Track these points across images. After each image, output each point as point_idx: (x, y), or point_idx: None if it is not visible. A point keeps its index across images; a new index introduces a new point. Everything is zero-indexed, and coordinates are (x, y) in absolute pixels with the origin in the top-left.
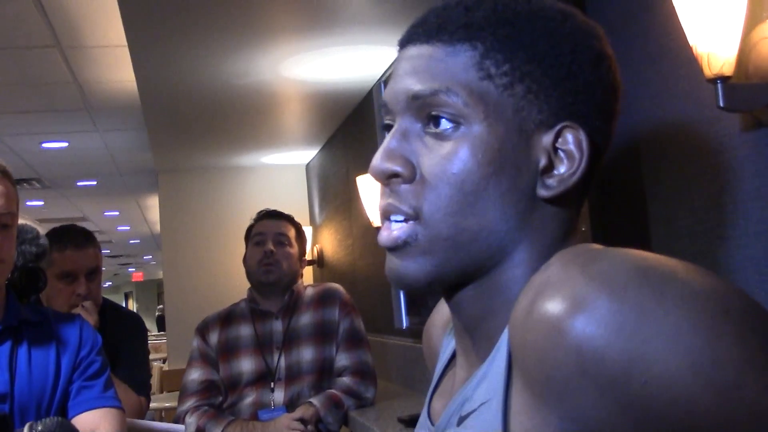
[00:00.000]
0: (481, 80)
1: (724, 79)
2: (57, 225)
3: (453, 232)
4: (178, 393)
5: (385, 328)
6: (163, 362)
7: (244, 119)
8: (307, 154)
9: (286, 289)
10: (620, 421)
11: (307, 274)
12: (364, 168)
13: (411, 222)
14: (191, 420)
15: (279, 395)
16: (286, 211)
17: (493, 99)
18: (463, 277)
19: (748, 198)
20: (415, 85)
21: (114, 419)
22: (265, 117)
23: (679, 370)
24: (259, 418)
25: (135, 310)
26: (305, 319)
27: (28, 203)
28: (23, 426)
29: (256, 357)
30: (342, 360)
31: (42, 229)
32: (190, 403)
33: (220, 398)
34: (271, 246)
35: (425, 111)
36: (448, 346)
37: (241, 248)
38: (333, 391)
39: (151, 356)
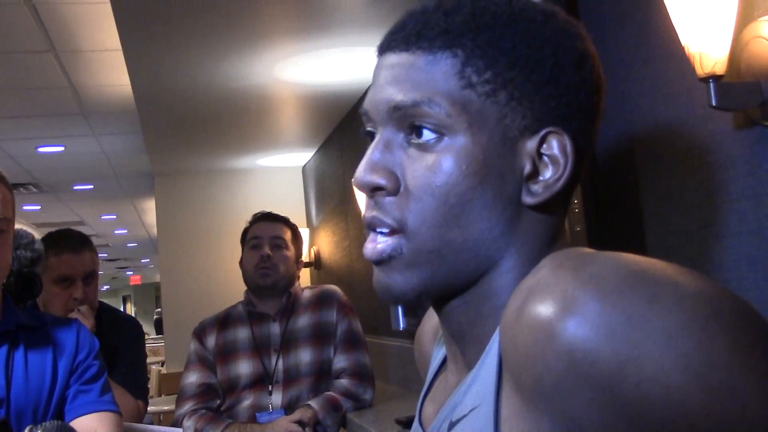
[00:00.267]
0: (462, 89)
1: (716, 78)
2: (54, 229)
3: (438, 244)
4: (176, 396)
5: (382, 330)
6: (161, 365)
7: (240, 122)
8: (304, 156)
9: (283, 292)
10: (612, 423)
11: (304, 276)
12: None
13: (396, 235)
14: (189, 423)
15: (277, 398)
16: (283, 214)
17: (475, 107)
18: (450, 287)
19: (741, 196)
20: (396, 96)
21: (111, 423)
22: (261, 119)
23: (672, 372)
24: (257, 421)
25: (133, 314)
26: (303, 321)
27: (25, 208)
28: (23, 430)
29: (254, 360)
30: (340, 362)
31: (38, 234)
32: (187, 406)
33: (218, 401)
34: (267, 250)
35: (407, 121)
36: (439, 351)
37: (238, 251)
38: (331, 393)
39: (149, 359)
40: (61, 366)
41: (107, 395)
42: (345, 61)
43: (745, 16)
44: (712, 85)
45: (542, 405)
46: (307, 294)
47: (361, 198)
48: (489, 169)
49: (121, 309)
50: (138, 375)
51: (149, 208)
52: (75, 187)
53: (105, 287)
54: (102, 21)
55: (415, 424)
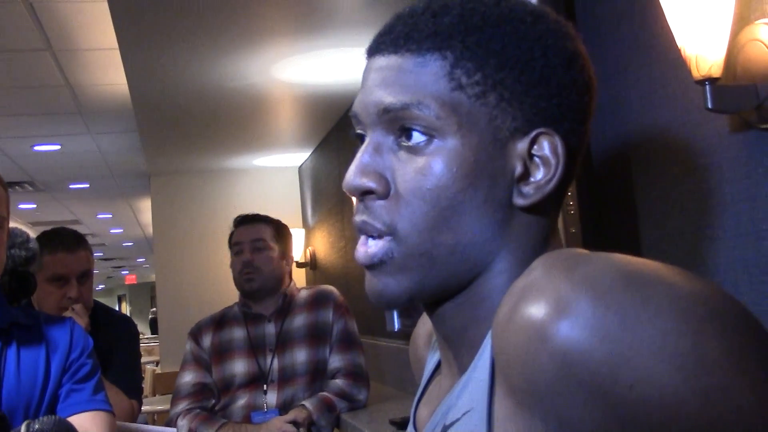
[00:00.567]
0: (452, 91)
1: (712, 80)
2: (49, 228)
3: (429, 247)
4: (170, 396)
5: (377, 331)
6: (156, 365)
7: (236, 122)
8: (300, 156)
9: (273, 292)
10: (606, 425)
11: (300, 276)
12: None
13: (386, 239)
14: (183, 423)
15: (272, 397)
16: (279, 214)
17: (465, 109)
18: (442, 290)
19: (737, 199)
20: (386, 98)
21: (103, 422)
22: (257, 119)
23: (666, 373)
24: (252, 421)
25: (128, 313)
26: (299, 321)
27: (21, 206)
28: (19, 425)
29: (249, 359)
30: (335, 362)
31: (33, 233)
32: (182, 405)
33: (213, 401)
34: (248, 255)
35: (397, 124)
36: (434, 355)
37: None
38: (325, 393)
39: (144, 359)
40: (54, 364)
41: (100, 394)
42: (342, 62)
43: (742, 19)
44: (708, 87)
45: (535, 407)
46: (303, 294)
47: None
48: (480, 171)
49: (116, 308)
50: (132, 374)
51: (145, 208)
52: (71, 186)
53: (100, 286)
54: (99, 20)
55: (410, 427)
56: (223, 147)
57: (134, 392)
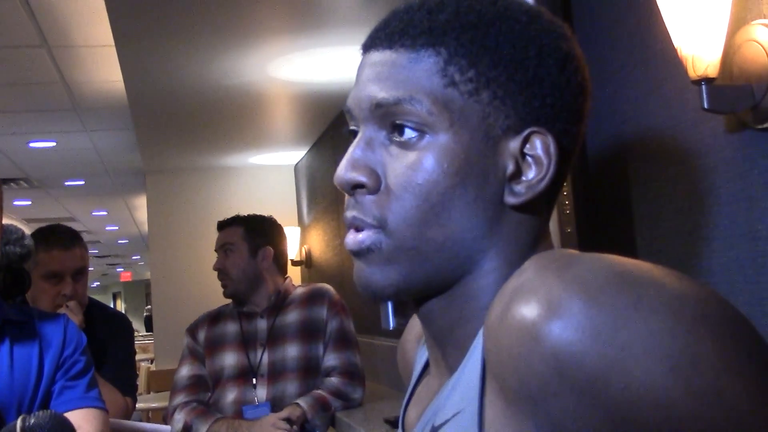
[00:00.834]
0: (445, 87)
1: (708, 80)
2: (44, 225)
3: (418, 242)
4: (165, 393)
5: (371, 329)
6: (151, 363)
7: (232, 120)
8: (296, 154)
9: (254, 290)
10: (598, 426)
11: (295, 274)
12: None
13: (376, 229)
14: (179, 416)
15: (261, 392)
16: (274, 212)
17: (458, 106)
18: (430, 286)
19: (733, 199)
20: (378, 93)
21: (96, 420)
22: (253, 117)
23: (658, 375)
24: (243, 414)
25: (123, 311)
26: (292, 317)
27: (16, 203)
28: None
29: (239, 353)
30: (330, 360)
31: (28, 230)
32: (179, 399)
33: (209, 394)
34: (218, 262)
35: (389, 119)
36: (422, 356)
37: None
38: (320, 392)
39: (139, 356)
40: (48, 361)
41: (93, 391)
42: (338, 60)
43: (738, 20)
44: (704, 87)
45: (527, 408)
46: (298, 291)
47: None
48: (471, 168)
49: (112, 306)
50: (126, 372)
51: (141, 205)
52: (66, 183)
53: (95, 284)
54: (95, 16)
55: (399, 429)
56: (219, 145)
57: (128, 389)
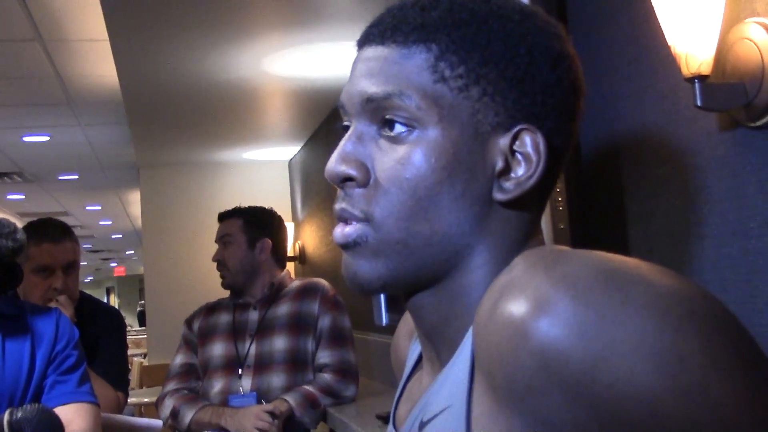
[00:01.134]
0: (435, 83)
1: (701, 78)
2: (37, 219)
3: (404, 236)
4: (158, 389)
5: (365, 325)
6: (144, 357)
7: (226, 115)
8: (290, 150)
9: (251, 282)
10: (585, 423)
11: (289, 270)
12: None
13: (363, 223)
14: (168, 402)
15: (247, 382)
16: (268, 208)
17: (447, 102)
18: (418, 281)
19: (725, 197)
20: (369, 88)
21: (88, 414)
22: (247, 112)
23: (645, 372)
24: (229, 402)
25: (117, 305)
26: (282, 309)
27: (9, 197)
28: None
29: (228, 343)
30: (323, 357)
31: (20, 224)
32: (170, 386)
33: (200, 382)
34: (217, 253)
35: (379, 114)
36: (414, 352)
37: None
38: (310, 389)
39: (132, 351)
40: (39, 355)
41: (85, 386)
42: (333, 56)
43: (732, 18)
44: (697, 85)
45: (514, 405)
46: (293, 285)
47: None
48: (459, 164)
49: (105, 301)
50: (118, 366)
51: (134, 200)
52: (60, 177)
53: (89, 278)
54: (89, 10)
55: (390, 425)
56: (213, 140)
57: (120, 384)
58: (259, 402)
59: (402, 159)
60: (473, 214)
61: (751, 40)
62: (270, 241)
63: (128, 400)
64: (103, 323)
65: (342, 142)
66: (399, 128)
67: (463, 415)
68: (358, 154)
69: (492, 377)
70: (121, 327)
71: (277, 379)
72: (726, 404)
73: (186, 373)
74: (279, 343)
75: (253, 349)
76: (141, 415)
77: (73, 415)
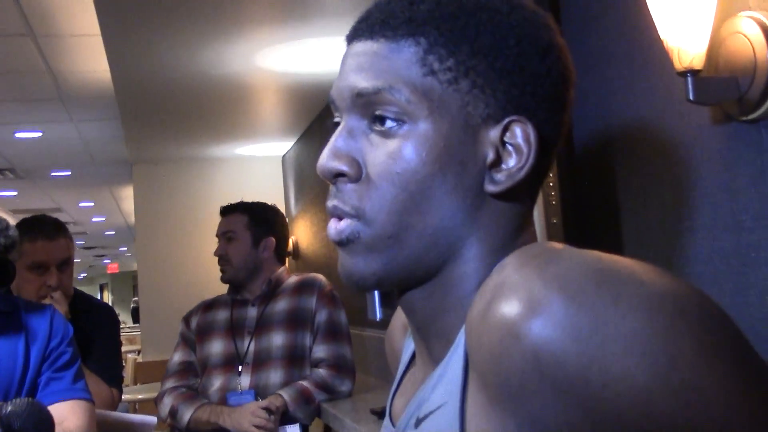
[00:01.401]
0: (424, 76)
1: (694, 72)
2: (30, 215)
3: (397, 230)
4: (152, 385)
5: (359, 320)
6: (137, 354)
7: (219, 110)
8: (284, 145)
9: (252, 279)
10: (578, 423)
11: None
12: None
13: (355, 219)
14: (167, 401)
15: (246, 380)
16: (272, 204)
17: (437, 95)
18: (412, 275)
19: (717, 191)
20: (359, 83)
21: (82, 411)
22: (241, 108)
23: (637, 372)
24: (227, 400)
25: (110, 302)
26: (281, 305)
27: (1, 193)
28: None
29: (227, 340)
30: (319, 352)
31: (13, 220)
32: (168, 384)
33: (199, 379)
34: (221, 247)
35: (370, 109)
36: (409, 346)
37: (214, 240)
38: (305, 384)
39: (126, 348)
40: (34, 352)
41: (80, 383)
42: (326, 51)
43: (724, 12)
44: (690, 79)
45: (507, 405)
46: (291, 281)
47: None
48: (450, 157)
49: (98, 297)
50: (112, 363)
51: (127, 196)
52: (52, 174)
53: (82, 275)
54: (81, 5)
55: (386, 420)
56: (206, 135)
57: (114, 381)
58: (257, 399)
59: (393, 153)
60: (465, 206)
61: (744, 35)
62: (274, 240)
63: (122, 397)
64: (96, 320)
65: (333, 138)
66: (389, 123)
67: (457, 413)
68: (349, 149)
69: (485, 377)
70: (114, 323)
71: (275, 376)
72: (718, 402)
73: (184, 371)
74: (277, 339)
75: (252, 346)
76: (135, 411)
77: (68, 412)
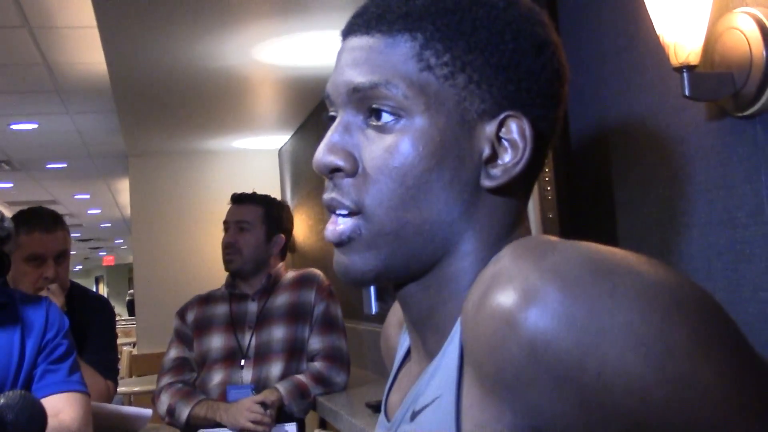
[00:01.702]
0: (421, 71)
1: (689, 68)
2: (26, 207)
3: (396, 225)
4: (147, 377)
5: (354, 314)
6: (133, 346)
7: (215, 103)
8: (280, 138)
9: (255, 272)
10: (574, 413)
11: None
12: None
13: (354, 217)
14: (164, 398)
15: (248, 374)
16: (282, 200)
17: (433, 90)
18: (409, 270)
19: (712, 186)
20: (356, 78)
21: (78, 404)
22: (237, 101)
23: (632, 362)
24: (227, 394)
25: (106, 295)
26: (280, 300)
27: None
28: None
29: (228, 335)
30: (315, 344)
31: (8, 212)
32: (165, 380)
33: (195, 374)
34: (231, 235)
35: (366, 104)
36: (404, 343)
37: (211, 233)
38: (301, 378)
39: (121, 340)
40: (29, 344)
41: (75, 375)
42: (323, 44)
43: (720, 8)
44: (685, 74)
45: (503, 395)
46: (289, 276)
47: None
48: (446, 152)
49: (94, 290)
50: (108, 355)
51: (123, 189)
52: (48, 166)
53: (77, 267)
54: None
55: (381, 415)
56: (203, 128)
57: (110, 373)
58: (256, 393)
59: (390, 148)
60: (462, 201)
61: (740, 30)
62: (284, 237)
63: (118, 389)
64: (92, 312)
65: (329, 133)
66: (386, 117)
67: (453, 405)
68: (345, 144)
69: (481, 368)
70: (110, 316)
71: (275, 369)
72: (713, 391)
73: (180, 367)
74: (277, 333)
75: (253, 341)
76: (130, 404)
77: (63, 404)
